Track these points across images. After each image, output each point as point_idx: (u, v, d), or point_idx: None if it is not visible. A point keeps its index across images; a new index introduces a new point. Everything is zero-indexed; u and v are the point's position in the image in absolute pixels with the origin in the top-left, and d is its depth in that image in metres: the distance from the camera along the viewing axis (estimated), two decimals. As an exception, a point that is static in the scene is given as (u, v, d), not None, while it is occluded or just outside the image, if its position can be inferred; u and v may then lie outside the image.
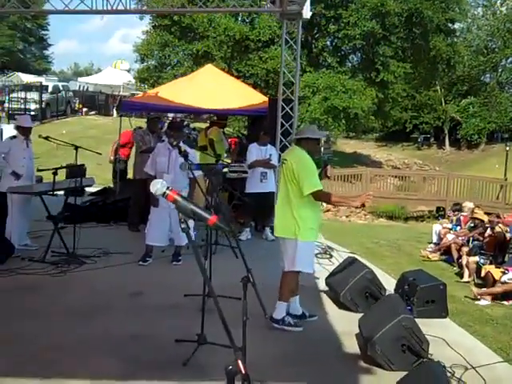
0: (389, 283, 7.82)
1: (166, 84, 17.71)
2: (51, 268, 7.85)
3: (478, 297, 8.70)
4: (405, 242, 14.11)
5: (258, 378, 4.69)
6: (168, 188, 2.75)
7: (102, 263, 8.29)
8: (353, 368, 5.27)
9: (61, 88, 34.71)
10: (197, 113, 19.63)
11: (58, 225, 8.57)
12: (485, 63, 45.43)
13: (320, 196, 5.90)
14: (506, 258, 10.13)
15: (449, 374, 4.97)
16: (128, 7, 11.12)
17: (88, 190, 13.48)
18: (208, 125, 13.73)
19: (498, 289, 8.73)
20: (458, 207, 13.60)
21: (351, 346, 5.80)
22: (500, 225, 10.76)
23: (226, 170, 12.48)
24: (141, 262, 8.37)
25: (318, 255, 9.64)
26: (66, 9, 10.83)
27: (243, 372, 2.64)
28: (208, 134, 12.18)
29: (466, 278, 10.17)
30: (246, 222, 10.74)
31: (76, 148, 9.06)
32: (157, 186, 2.75)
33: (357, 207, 6.34)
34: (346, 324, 6.34)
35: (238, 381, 3.09)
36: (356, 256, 8.82)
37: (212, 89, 12.77)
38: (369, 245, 13.07)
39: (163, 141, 8.75)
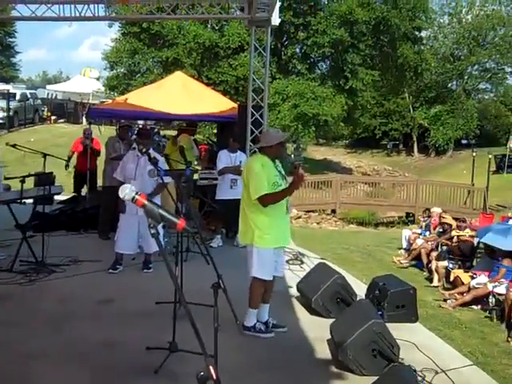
0: (360, 289, 7.85)
1: (134, 91, 17.62)
2: (19, 277, 7.71)
3: (447, 298, 8.84)
4: (375, 248, 14.20)
5: (230, 385, 4.69)
6: (137, 193, 2.74)
7: (72, 271, 8.18)
8: (324, 373, 5.29)
9: (29, 96, 34.26)
10: (166, 119, 19.56)
11: (26, 233, 8.46)
12: (451, 70, 46.07)
13: (265, 200, 5.73)
14: (475, 263, 10.28)
15: (419, 378, 5.02)
16: (96, 14, 11.06)
17: (57, 198, 13.33)
18: (177, 132, 13.71)
19: (466, 297, 8.83)
20: (429, 213, 13.76)
21: (323, 351, 5.81)
22: (467, 229, 10.92)
23: (196, 176, 12.50)
24: (111, 270, 8.30)
25: (290, 261, 9.66)
26: (33, 15, 10.73)
27: (214, 378, 2.63)
28: (178, 142, 12.14)
29: (435, 283, 10.28)
30: (217, 229, 10.72)
31: (44, 156, 8.96)
32: (125, 191, 2.74)
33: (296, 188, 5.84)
34: (317, 330, 6.35)
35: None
36: (327, 262, 8.86)
37: (181, 95, 12.76)
38: (340, 251, 13.13)
39: (134, 148, 8.71)
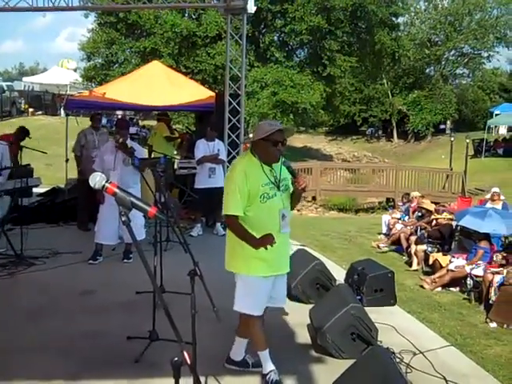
0: (340, 274, 7.93)
1: (112, 81, 17.52)
2: (-2, 270, 7.69)
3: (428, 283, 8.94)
4: (356, 234, 14.30)
5: (210, 371, 4.72)
6: (107, 181, 2.75)
7: (51, 264, 8.15)
8: (304, 358, 5.33)
9: (5, 88, 33.93)
10: (144, 110, 19.49)
11: (4, 226, 8.43)
12: (428, 56, 46.28)
13: (228, 222, 4.60)
14: (453, 246, 10.39)
15: (397, 360, 5.09)
16: (70, 4, 10.95)
17: (36, 190, 13.25)
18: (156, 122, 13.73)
19: (445, 279, 8.94)
20: (408, 197, 13.86)
21: (303, 336, 5.87)
22: (445, 213, 11.02)
23: (176, 166, 12.51)
24: (90, 261, 8.30)
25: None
26: (7, 6, 10.60)
27: (188, 363, 2.65)
28: (155, 129, 12.16)
29: (414, 267, 10.38)
30: (197, 218, 10.73)
31: (20, 148, 8.90)
32: (96, 179, 2.74)
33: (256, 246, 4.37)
34: (297, 315, 6.39)
35: (189, 375, 3.12)
36: (306, 248, 8.90)
37: (158, 85, 12.73)
38: (320, 237, 13.20)
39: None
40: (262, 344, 4.78)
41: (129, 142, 7.94)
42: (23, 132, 11.44)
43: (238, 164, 4.69)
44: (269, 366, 4.74)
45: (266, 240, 4.32)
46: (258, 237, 4.40)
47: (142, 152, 8.59)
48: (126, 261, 8.42)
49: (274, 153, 4.54)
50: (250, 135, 5.11)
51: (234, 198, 4.46)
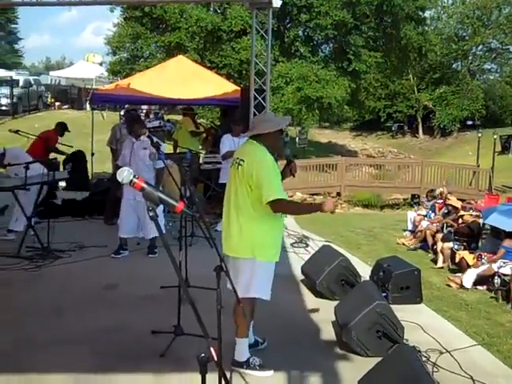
0: (365, 271, 7.87)
1: (136, 75, 17.57)
2: (26, 263, 7.77)
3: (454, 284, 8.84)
4: (381, 230, 14.20)
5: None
6: (135, 176, 2.73)
7: (77, 257, 8.23)
8: (329, 355, 5.31)
9: (32, 82, 34.26)
10: (169, 104, 19.54)
11: (31, 220, 8.53)
12: (456, 51, 45.75)
13: (280, 206, 4.62)
14: (480, 244, 10.27)
15: (424, 359, 5.04)
16: (97, -1, 10.98)
17: (62, 184, 13.38)
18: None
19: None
20: (433, 194, 13.71)
21: (328, 333, 5.84)
22: (471, 210, 10.90)
23: (200, 160, 12.53)
24: (113, 255, 8.36)
25: (294, 244, 9.71)
26: (33, 1, 10.67)
27: (215, 359, 2.64)
28: (180, 124, 12.19)
29: (440, 264, 10.27)
30: (222, 213, 10.70)
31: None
32: (123, 174, 2.73)
33: (323, 211, 4.59)
34: (322, 312, 6.38)
35: (214, 370, 3.11)
36: (331, 244, 8.86)
37: (183, 78, 12.74)
38: (345, 233, 13.14)
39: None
40: (246, 331, 4.91)
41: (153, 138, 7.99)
42: (62, 127, 11.64)
43: (261, 150, 4.73)
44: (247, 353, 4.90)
45: (331, 202, 4.70)
46: (270, 224, 4.71)
47: (164, 147, 8.62)
48: (151, 255, 8.45)
49: (280, 144, 4.89)
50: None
51: (277, 182, 4.62)
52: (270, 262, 4.81)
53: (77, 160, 13.45)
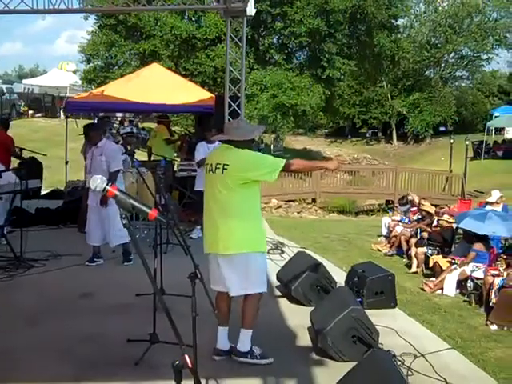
0: (340, 277, 7.91)
1: (110, 83, 17.52)
2: (-2, 273, 7.68)
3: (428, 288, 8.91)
4: (356, 236, 14.24)
5: (210, 373, 4.71)
6: (108, 184, 2.74)
7: (51, 266, 8.16)
8: (305, 360, 5.33)
9: (5, 90, 33.91)
10: (144, 111, 19.48)
11: (4, 229, 8.44)
12: (428, 58, 46.22)
13: (293, 165, 5.01)
14: (453, 248, 10.37)
15: (398, 363, 5.08)
16: (70, 6, 10.91)
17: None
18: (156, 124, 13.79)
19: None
20: (404, 201, 13.76)
21: (303, 338, 5.86)
22: (446, 215, 11.00)
23: (175, 168, 12.52)
24: (87, 263, 8.31)
25: (270, 251, 9.69)
26: (6, 8, 10.57)
27: (190, 366, 2.64)
28: (155, 131, 12.18)
29: (413, 269, 10.34)
30: (197, 220, 10.71)
31: (20, 150, 8.89)
32: (97, 182, 2.73)
33: (331, 170, 5.26)
34: (297, 318, 6.39)
35: (189, 378, 3.11)
36: (307, 251, 8.89)
37: (158, 86, 12.74)
38: (320, 239, 13.16)
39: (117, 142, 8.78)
40: (254, 324, 5.16)
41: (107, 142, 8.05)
42: (2, 122, 11.42)
43: (242, 151, 4.97)
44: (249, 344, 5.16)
45: (336, 161, 5.28)
46: (259, 219, 5.11)
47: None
48: (126, 263, 8.41)
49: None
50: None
51: (270, 157, 4.99)
52: (263, 254, 5.19)
53: (31, 167, 13.11)
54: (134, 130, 14.03)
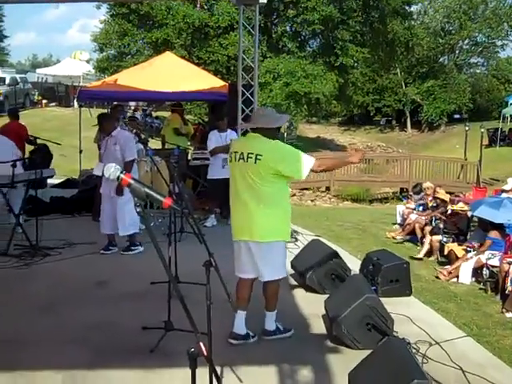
0: (354, 264, 7.88)
1: (123, 71, 17.52)
2: (14, 261, 7.72)
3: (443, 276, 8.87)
4: (370, 224, 14.22)
5: (225, 361, 4.71)
6: (122, 172, 2.73)
7: (67, 254, 8.19)
8: (320, 348, 5.32)
9: (19, 80, 34.02)
10: (157, 100, 19.48)
11: (19, 218, 8.48)
12: (442, 45, 45.89)
13: (321, 165, 5.18)
14: (468, 236, 10.31)
15: (413, 350, 5.06)
16: (83, -5, 10.95)
17: (50, 181, 13.30)
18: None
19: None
20: (418, 188, 13.69)
21: (318, 326, 5.85)
22: (460, 203, 10.93)
23: (189, 157, 12.52)
24: (102, 251, 8.33)
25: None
26: (20, -2, 10.62)
27: (205, 354, 2.64)
28: (168, 121, 12.18)
29: (421, 255, 10.31)
30: (211, 209, 10.72)
31: (35, 139, 8.91)
32: (110, 170, 2.72)
33: (356, 163, 5.42)
34: (312, 306, 6.39)
35: (204, 365, 3.11)
36: (321, 239, 8.87)
37: (171, 74, 12.73)
38: (334, 228, 13.14)
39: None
40: (276, 306, 5.42)
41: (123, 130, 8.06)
42: (12, 113, 11.43)
43: (274, 142, 5.09)
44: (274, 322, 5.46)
45: (359, 153, 5.17)
46: (288, 208, 5.26)
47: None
48: (124, 252, 8.42)
49: (279, 138, 5.24)
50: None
51: (301, 153, 5.01)
52: (285, 243, 5.38)
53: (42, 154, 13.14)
54: (148, 119, 14.10)
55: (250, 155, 5.03)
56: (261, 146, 5.05)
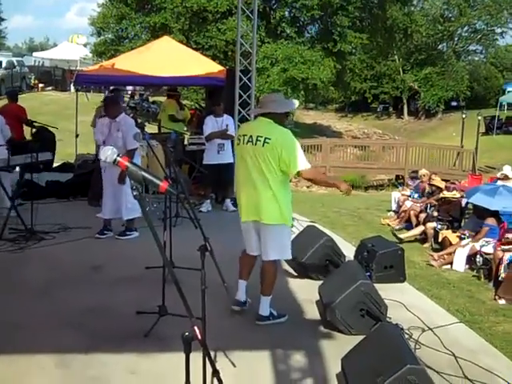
0: (349, 251, 7.91)
1: (121, 56, 17.44)
2: (9, 245, 7.70)
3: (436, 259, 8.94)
4: (365, 211, 14.24)
5: (219, 346, 4.74)
6: (118, 155, 2.73)
7: (62, 238, 8.17)
8: (313, 333, 5.36)
9: (15, 63, 33.84)
10: (154, 85, 19.41)
11: (14, 201, 8.44)
12: (441, 32, 45.74)
13: (311, 174, 5.31)
14: (463, 223, 10.35)
15: (406, 336, 5.10)
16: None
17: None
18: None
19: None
20: (415, 174, 13.74)
21: (312, 312, 5.89)
22: (455, 191, 10.96)
23: (185, 142, 12.51)
24: (97, 235, 8.30)
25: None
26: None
27: (199, 338, 2.66)
28: (164, 106, 12.17)
29: (406, 235, 10.45)
30: (207, 194, 10.73)
31: (32, 122, 8.88)
32: (107, 153, 2.72)
33: (338, 188, 5.59)
34: (306, 291, 6.41)
35: (199, 349, 3.14)
36: (316, 225, 8.89)
37: (169, 59, 12.68)
38: (330, 214, 13.17)
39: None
40: (272, 290, 5.50)
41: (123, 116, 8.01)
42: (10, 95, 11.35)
43: (279, 127, 5.20)
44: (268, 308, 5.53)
45: (347, 186, 5.63)
46: (289, 193, 5.38)
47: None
48: (118, 237, 8.39)
49: (288, 123, 5.20)
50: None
51: (301, 153, 5.15)
52: (289, 227, 5.51)
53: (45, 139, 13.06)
54: (145, 104, 14.06)
55: (258, 138, 5.13)
56: (270, 130, 5.15)
